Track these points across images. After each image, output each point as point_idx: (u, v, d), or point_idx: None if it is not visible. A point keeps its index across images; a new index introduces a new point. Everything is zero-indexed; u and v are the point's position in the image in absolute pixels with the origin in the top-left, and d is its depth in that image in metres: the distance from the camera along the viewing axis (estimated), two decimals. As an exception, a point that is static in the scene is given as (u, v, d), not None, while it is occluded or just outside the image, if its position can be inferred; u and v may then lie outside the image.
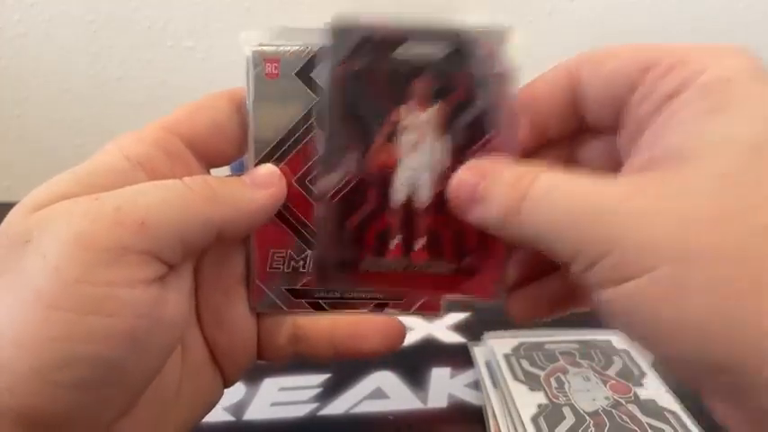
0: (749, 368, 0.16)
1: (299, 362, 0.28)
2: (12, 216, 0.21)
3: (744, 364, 0.16)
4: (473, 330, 0.42)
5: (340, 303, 0.26)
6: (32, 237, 0.19)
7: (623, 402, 0.33)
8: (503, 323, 0.40)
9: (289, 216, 0.25)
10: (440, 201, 0.22)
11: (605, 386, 0.35)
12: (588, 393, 0.34)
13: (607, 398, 0.34)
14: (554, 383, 0.35)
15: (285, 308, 0.26)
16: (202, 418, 0.26)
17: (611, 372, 0.36)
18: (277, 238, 0.25)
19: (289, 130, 0.24)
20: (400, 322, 0.27)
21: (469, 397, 0.37)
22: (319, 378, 0.38)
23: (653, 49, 0.21)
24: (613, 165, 0.22)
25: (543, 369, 0.36)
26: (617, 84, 0.21)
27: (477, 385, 0.37)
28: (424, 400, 0.36)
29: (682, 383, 0.35)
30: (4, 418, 0.19)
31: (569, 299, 0.25)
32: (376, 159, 0.22)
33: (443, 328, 0.43)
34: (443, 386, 0.38)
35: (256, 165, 0.24)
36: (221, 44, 0.74)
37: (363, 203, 0.23)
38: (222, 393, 0.27)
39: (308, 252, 0.26)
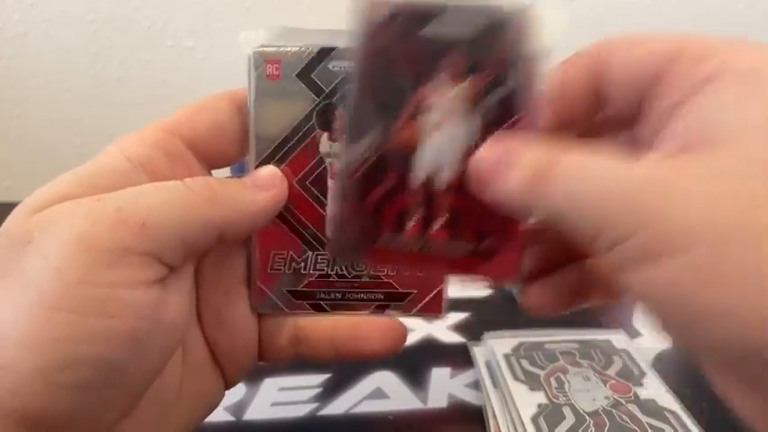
0: None
1: (300, 362, 0.28)
2: (13, 217, 0.21)
3: None
4: (473, 330, 0.42)
5: (341, 305, 0.26)
6: (34, 238, 0.20)
7: (623, 402, 0.33)
8: (503, 323, 0.40)
9: (290, 217, 0.25)
10: (463, 180, 0.22)
11: (605, 386, 0.35)
12: (588, 393, 0.34)
13: (607, 398, 0.34)
14: (554, 383, 0.35)
15: (286, 309, 0.26)
16: (203, 419, 0.26)
17: (611, 371, 0.36)
18: (278, 239, 0.25)
19: (290, 132, 0.24)
20: (401, 324, 0.27)
21: (469, 397, 0.37)
22: (319, 378, 0.38)
23: (679, 40, 0.20)
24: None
25: (543, 369, 0.36)
26: (641, 73, 0.21)
27: (477, 385, 0.37)
28: (424, 400, 0.36)
29: (681, 384, 0.35)
30: (6, 419, 0.19)
31: (584, 292, 0.25)
32: (399, 136, 0.22)
33: (443, 328, 0.43)
34: (443, 386, 0.38)
35: (257, 166, 0.24)
36: (221, 44, 0.74)
37: (384, 180, 0.22)
38: (223, 394, 0.27)
39: (310, 253, 0.26)
